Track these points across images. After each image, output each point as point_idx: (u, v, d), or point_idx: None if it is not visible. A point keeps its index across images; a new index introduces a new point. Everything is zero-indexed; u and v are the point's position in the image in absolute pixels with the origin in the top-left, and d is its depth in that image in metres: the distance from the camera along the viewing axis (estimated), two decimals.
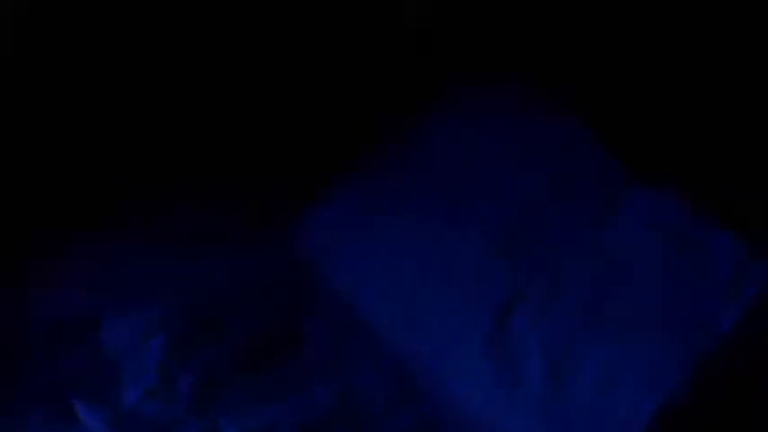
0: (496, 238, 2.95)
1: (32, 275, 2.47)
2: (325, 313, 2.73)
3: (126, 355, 2.37)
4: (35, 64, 2.29)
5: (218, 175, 2.64)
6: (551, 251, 2.94)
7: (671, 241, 2.92)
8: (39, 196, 2.42)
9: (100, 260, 2.46)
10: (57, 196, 2.44)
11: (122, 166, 2.51)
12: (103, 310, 2.40)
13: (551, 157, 3.03)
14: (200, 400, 2.36)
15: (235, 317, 2.64)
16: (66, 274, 2.44)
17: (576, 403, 2.60)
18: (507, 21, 2.79)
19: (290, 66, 2.54)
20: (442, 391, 2.70)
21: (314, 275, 2.83)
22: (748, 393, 2.48)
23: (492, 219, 2.96)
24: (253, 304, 2.69)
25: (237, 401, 2.39)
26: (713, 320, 2.70)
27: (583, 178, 3.01)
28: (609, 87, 3.04)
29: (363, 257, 2.92)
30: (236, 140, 2.63)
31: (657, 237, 2.90)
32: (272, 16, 2.42)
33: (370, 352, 2.75)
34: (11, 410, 2.29)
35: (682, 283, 2.84)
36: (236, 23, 2.43)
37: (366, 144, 2.68)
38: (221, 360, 2.57)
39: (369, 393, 2.55)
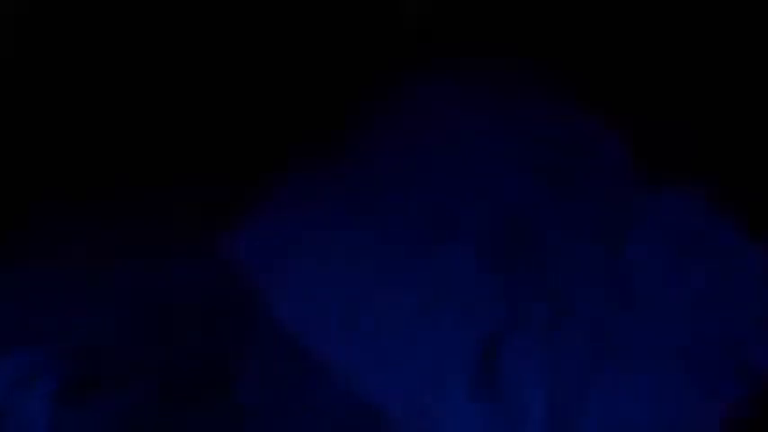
0: (483, 253, 2.49)
1: None
2: (262, 346, 2.19)
3: (5, 406, 1.98)
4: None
5: (128, 177, 2.07)
6: (552, 269, 2.48)
7: (696, 257, 2.48)
8: None
9: None
10: None
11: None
12: None
13: (553, 152, 2.45)
14: None
15: (148, 351, 2.24)
16: None
17: None
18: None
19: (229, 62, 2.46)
20: None
21: (249, 298, 2.30)
22: None
23: (477, 229, 2.52)
24: (171, 334, 2.27)
25: None
26: (747, 356, 2.29)
27: (592, 179, 2.44)
28: (623, 69, 2.67)
29: (311, 276, 2.42)
30: (151, 136, 2.48)
31: (680, 252, 2.33)
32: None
33: (321, 395, 2.17)
34: None
35: (709, 310, 2.41)
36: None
37: (314, 136, 2.09)
38: (130, 406, 1.96)
39: None
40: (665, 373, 2.32)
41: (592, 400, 2.32)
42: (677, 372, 2.32)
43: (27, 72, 2.26)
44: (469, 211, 2.51)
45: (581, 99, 2.52)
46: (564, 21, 2.69)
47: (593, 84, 2.64)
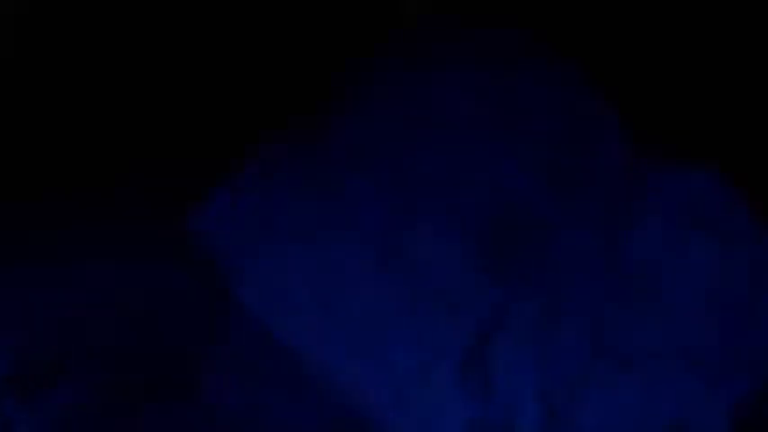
0: (469, 242, 2.31)
1: None
2: (232, 341, 1.98)
3: None
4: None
5: (89, 162, 1.98)
6: (546, 262, 2.29)
7: (708, 246, 2.26)
8: None
9: None
10: None
11: None
12: None
13: (550, 138, 2.25)
14: None
15: (111, 346, 1.87)
16: None
17: None
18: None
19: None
20: None
21: (218, 286, 2.07)
22: None
23: (467, 216, 2.35)
24: (136, 329, 1.98)
25: None
26: (762, 353, 2.09)
27: (594, 162, 2.24)
28: (627, 45, 2.47)
29: (285, 262, 2.23)
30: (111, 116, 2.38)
31: (690, 242, 2.12)
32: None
33: (298, 394, 2.01)
34: None
35: (720, 304, 2.21)
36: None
37: (288, 111, 1.98)
38: (88, 406, 1.84)
39: None
40: (674, 373, 2.14)
41: (589, 399, 2.13)
42: (687, 369, 2.14)
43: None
44: (455, 197, 2.33)
45: (581, 78, 2.33)
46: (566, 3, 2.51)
47: (592, 62, 2.43)
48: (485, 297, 2.21)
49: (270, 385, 2.17)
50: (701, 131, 2.33)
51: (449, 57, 2.40)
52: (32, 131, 2.37)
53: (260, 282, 2.22)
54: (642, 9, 2.44)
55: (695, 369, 2.07)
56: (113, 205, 2.26)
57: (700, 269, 2.19)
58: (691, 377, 2.07)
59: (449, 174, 2.33)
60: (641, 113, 2.38)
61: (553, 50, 2.38)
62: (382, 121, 2.36)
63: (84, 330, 2.11)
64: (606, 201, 2.31)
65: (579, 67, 2.37)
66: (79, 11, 2.32)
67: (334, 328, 2.19)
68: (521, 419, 2.14)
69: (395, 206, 2.29)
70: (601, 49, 2.41)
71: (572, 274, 2.22)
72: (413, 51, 2.41)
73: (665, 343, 2.12)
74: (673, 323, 2.15)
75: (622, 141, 2.34)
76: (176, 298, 2.18)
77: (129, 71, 2.40)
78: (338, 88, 2.38)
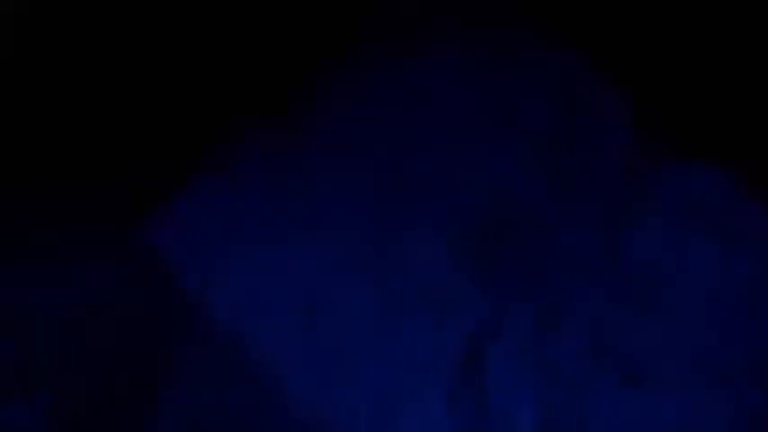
0: (458, 241, 2.19)
1: None
2: (196, 348, 1.89)
3: None
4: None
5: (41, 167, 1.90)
6: (543, 262, 2.17)
7: (708, 245, 2.13)
8: None
9: None
10: None
11: None
12: None
13: (551, 132, 2.12)
14: None
15: (63, 357, 1.80)
16: None
17: None
18: None
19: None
20: None
21: (178, 294, 1.98)
22: None
23: (451, 214, 2.23)
24: (94, 336, 1.85)
25: None
26: (763, 353, 1.99)
27: (594, 161, 2.09)
28: (630, 37, 2.33)
29: (253, 268, 2.13)
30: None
31: (701, 240, 1.98)
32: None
33: (269, 408, 1.92)
34: None
35: (722, 303, 2.08)
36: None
37: (255, 109, 1.87)
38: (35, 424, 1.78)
39: None
40: (679, 382, 2.01)
41: (589, 407, 2.00)
42: (694, 378, 2.01)
43: None
44: (443, 193, 2.20)
45: (582, 70, 2.18)
46: None
47: (594, 53, 2.29)
48: (477, 305, 2.09)
49: (236, 397, 2.07)
50: (702, 128, 2.19)
51: (438, 43, 2.27)
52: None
53: (231, 288, 2.11)
54: (645, 3, 2.30)
55: (697, 371, 1.94)
56: (74, 206, 2.17)
57: (700, 269, 2.06)
58: (692, 379, 1.93)
59: (439, 173, 2.20)
60: (643, 109, 2.24)
61: (553, 40, 2.24)
62: (363, 118, 2.23)
63: (35, 339, 2.02)
64: (606, 200, 2.18)
65: (580, 57, 2.23)
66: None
67: (313, 340, 2.08)
68: (516, 429, 2.02)
69: (378, 208, 2.16)
70: (603, 40, 2.27)
71: (571, 276, 2.10)
72: (396, 38, 2.28)
73: (666, 344, 1.99)
74: (673, 323, 2.02)
75: (624, 138, 2.20)
76: (137, 305, 2.08)
77: (101, 74, 2.36)
78: (309, 85, 2.27)
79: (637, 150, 2.21)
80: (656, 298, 2.08)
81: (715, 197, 2.13)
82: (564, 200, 2.19)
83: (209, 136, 2.28)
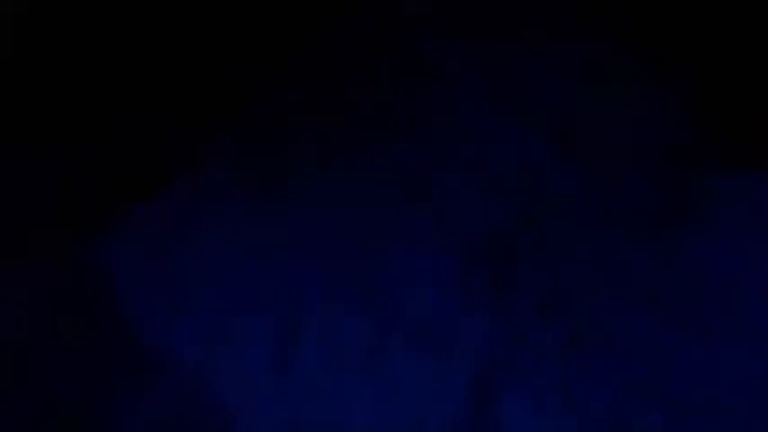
0: (464, 254, 1.74)
1: None
2: (143, 396, 1.47)
3: None
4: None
5: None
6: (568, 276, 1.70)
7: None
8: None
9: None
10: None
11: None
12: None
13: (577, 109, 1.69)
14: None
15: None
16: None
17: None
18: None
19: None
20: None
21: (125, 323, 1.69)
22: None
23: (462, 222, 1.77)
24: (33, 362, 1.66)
25: None
26: None
27: (633, 148, 1.79)
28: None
29: (219, 299, 1.72)
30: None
31: (753, 253, 1.67)
32: None
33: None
34: None
35: None
36: None
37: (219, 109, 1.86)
38: None
39: None
40: (742, 421, 1.54)
41: None
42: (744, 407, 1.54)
43: None
44: (448, 195, 1.77)
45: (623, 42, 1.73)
46: None
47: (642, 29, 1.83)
48: (493, 322, 1.61)
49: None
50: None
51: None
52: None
53: (191, 317, 1.67)
54: None
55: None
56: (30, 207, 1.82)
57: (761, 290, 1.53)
58: (761, 415, 1.41)
59: (444, 171, 1.75)
60: (703, 108, 1.76)
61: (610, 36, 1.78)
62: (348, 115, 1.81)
63: None
64: (651, 196, 1.68)
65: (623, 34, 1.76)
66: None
67: (287, 384, 1.61)
68: None
69: (369, 216, 1.71)
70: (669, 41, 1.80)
71: (605, 295, 1.59)
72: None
73: (728, 378, 1.46)
74: (739, 352, 1.49)
75: (676, 137, 1.72)
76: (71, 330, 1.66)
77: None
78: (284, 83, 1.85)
79: (691, 152, 1.72)
80: (712, 322, 1.56)
81: None
82: (597, 204, 1.71)
83: (173, 141, 2.00)
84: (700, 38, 1.86)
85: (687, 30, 1.88)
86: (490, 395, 1.61)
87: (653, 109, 1.81)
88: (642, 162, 1.77)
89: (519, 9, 1.91)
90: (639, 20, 1.89)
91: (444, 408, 1.60)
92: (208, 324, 1.68)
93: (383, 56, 1.89)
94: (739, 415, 1.55)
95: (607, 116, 1.81)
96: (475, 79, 1.83)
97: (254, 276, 1.69)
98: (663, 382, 1.57)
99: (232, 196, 1.75)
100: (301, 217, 1.73)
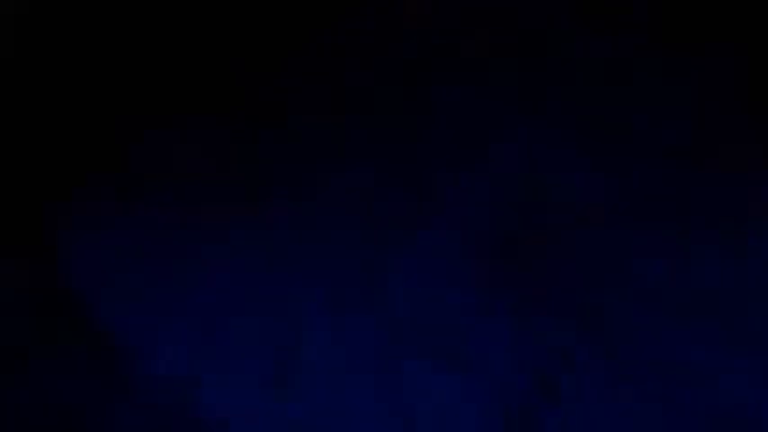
0: (487, 263, 1.50)
1: None
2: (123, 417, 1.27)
3: None
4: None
5: None
6: (601, 287, 1.48)
7: None
8: None
9: None
10: None
11: None
12: None
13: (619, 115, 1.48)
14: None
15: None
16: None
17: None
18: None
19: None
20: None
21: (97, 338, 1.49)
22: None
23: (478, 221, 1.54)
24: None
25: None
26: None
27: (668, 158, 1.54)
28: None
29: (203, 313, 1.52)
30: None
31: None
32: None
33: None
34: None
35: None
36: None
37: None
38: None
39: None
40: None
41: None
42: None
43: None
44: (463, 186, 1.56)
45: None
46: None
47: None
48: (518, 352, 1.39)
49: None
50: None
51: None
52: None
53: (173, 333, 1.47)
54: None
55: None
56: None
57: None
58: None
59: (457, 162, 1.52)
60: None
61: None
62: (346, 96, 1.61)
63: None
64: (686, 204, 1.47)
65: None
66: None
67: (283, 412, 1.39)
68: None
69: (372, 215, 1.50)
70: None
71: (642, 308, 1.39)
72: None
73: None
74: None
75: (715, 126, 1.49)
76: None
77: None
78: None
79: (724, 149, 1.49)
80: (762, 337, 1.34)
81: None
82: (622, 204, 1.48)
83: (148, 133, 1.87)
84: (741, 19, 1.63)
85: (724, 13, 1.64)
86: (524, 418, 1.38)
87: (679, 102, 1.58)
88: (674, 159, 1.54)
89: (520, 7, 1.69)
90: (661, 11, 1.67)
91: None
92: (196, 334, 1.48)
93: (383, 56, 1.68)
94: None
95: (631, 110, 1.58)
96: (479, 77, 1.62)
97: (249, 281, 1.49)
98: (716, 404, 1.33)
99: (225, 195, 1.55)
100: (299, 219, 1.54)
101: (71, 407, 1.44)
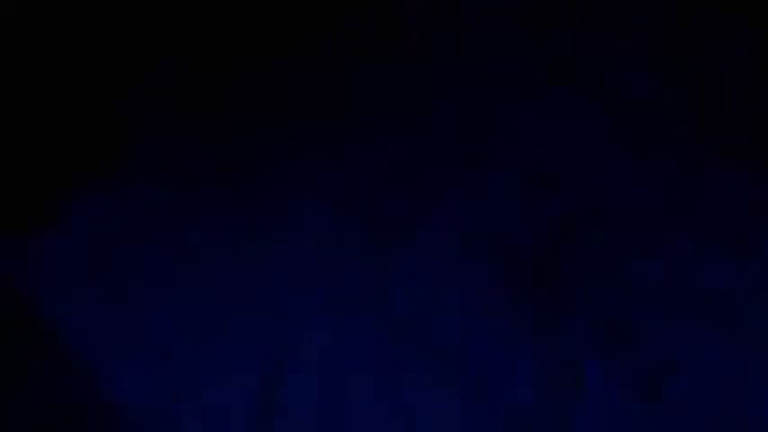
0: (503, 269, 1.49)
1: None
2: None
3: None
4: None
5: None
6: (634, 300, 1.45)
7: None
8: None
9: None
10: None
11: None
12: None
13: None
14: None
15: None
16: None
17: None
18: None
19: None
20: None
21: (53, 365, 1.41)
22: None
23: (496, 225, 1.52)
24: None
25: None
26: None
27: (723, 148, 1.51)
28: None
29: (177, 331, 1.46)
30: None
31: None
32: None
33: None
34: None
35: None
36: None
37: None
38: None
39: None
40: None
41: None
42: None
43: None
44: (463, 194, 1.53)
45: None
46: None
47: None
48: (537, 367, 1.37)
49: None
50: None
51: None
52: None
53: (140, 358, 1.44)
54: None
55: None
56: None
57: None
58: None
59: (466, 156, 1.51)
60: None
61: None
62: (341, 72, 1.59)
63: None
64: (740, 203, 1.45)
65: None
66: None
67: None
68: None
69: (370, 217, 1.47)
70: None
71: (675, 317, 1.38)
72: None
73: None
74: None
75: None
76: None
77: None
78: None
79: None
80: None
81: None
82: (668, 204, 1.47)
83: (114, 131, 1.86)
84: None
85: None
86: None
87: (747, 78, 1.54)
88: (729, 149, 1.50)
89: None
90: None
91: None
92: (165, 357, 1.45)
93: (383, 56, 1.67)
94: None
95: (687, 86, 1.55)
96: (481, 74, 1.60)
97: (227, 292, 1.46)
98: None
99: (220, 193, 1.53)
100: (280, 218, 1.51)
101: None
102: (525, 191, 1.52)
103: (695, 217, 1.47)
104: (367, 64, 1.65)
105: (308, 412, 1.37)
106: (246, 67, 1.77)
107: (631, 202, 1.50)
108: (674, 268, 1.45)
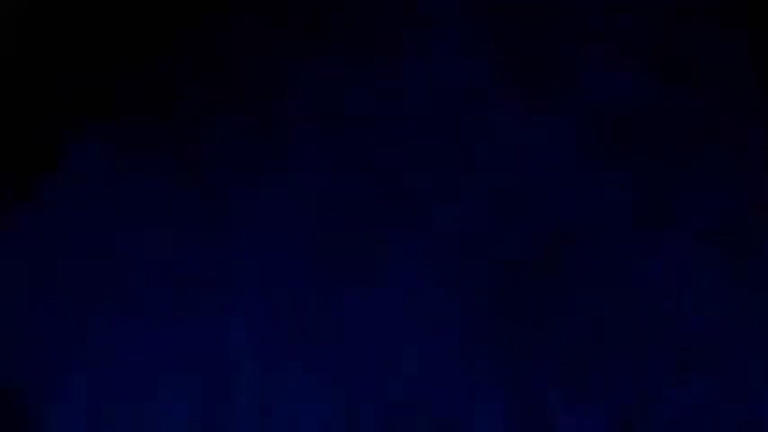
0: (474, 304, 1.46)
1: None
2: None
3: None
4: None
5: None
6: (579, 312, 1.45)
7: None
8: None
9: None
10: None
11: None
12: None
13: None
14: None
15: None
16: None
17: None
18: None
19: None
20: None
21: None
22: None
23: (471, 249, 1.49)
24: None
25: None
26: None
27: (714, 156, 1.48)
28: None
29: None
30: None
31: None
32: None
33: None
34: None
35: None
36: None
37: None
38: None
39: None
40: None
41: None
42: None
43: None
44: (439, 213, 1.46)
45: None
46: None
47: None
48: (506, 405, 1.36)
49: None
50: None
51: None
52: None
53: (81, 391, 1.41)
54: None
55: None
56: None
57: None
58: None
59: (441, 172, 1.50)
60: None
61: None
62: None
63: None
64: (737, 215, 1.44)
65: None
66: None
67: None
68: None
69: (322, 244, 1.45)
70: None
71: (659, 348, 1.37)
72: None
73: None
74: None
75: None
76: None
77: None
78: None
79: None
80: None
81: None
82: (655, 215, 1.46)
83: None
84: None
85: None
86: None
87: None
88: (722, 158, 1.49)
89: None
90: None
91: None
92: (98, 396, 1.41)
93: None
94: None
95: (685, 87, 1.53)
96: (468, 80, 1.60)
97: (171, 339, 1.40)
98: None
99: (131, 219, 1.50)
100: (269, 227, 1.48)
101: None
102: (495, 217, 1.49)
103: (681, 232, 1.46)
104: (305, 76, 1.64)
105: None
106: (238, 69, 1.77)
107: (606, 213, 1.48)
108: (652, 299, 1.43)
